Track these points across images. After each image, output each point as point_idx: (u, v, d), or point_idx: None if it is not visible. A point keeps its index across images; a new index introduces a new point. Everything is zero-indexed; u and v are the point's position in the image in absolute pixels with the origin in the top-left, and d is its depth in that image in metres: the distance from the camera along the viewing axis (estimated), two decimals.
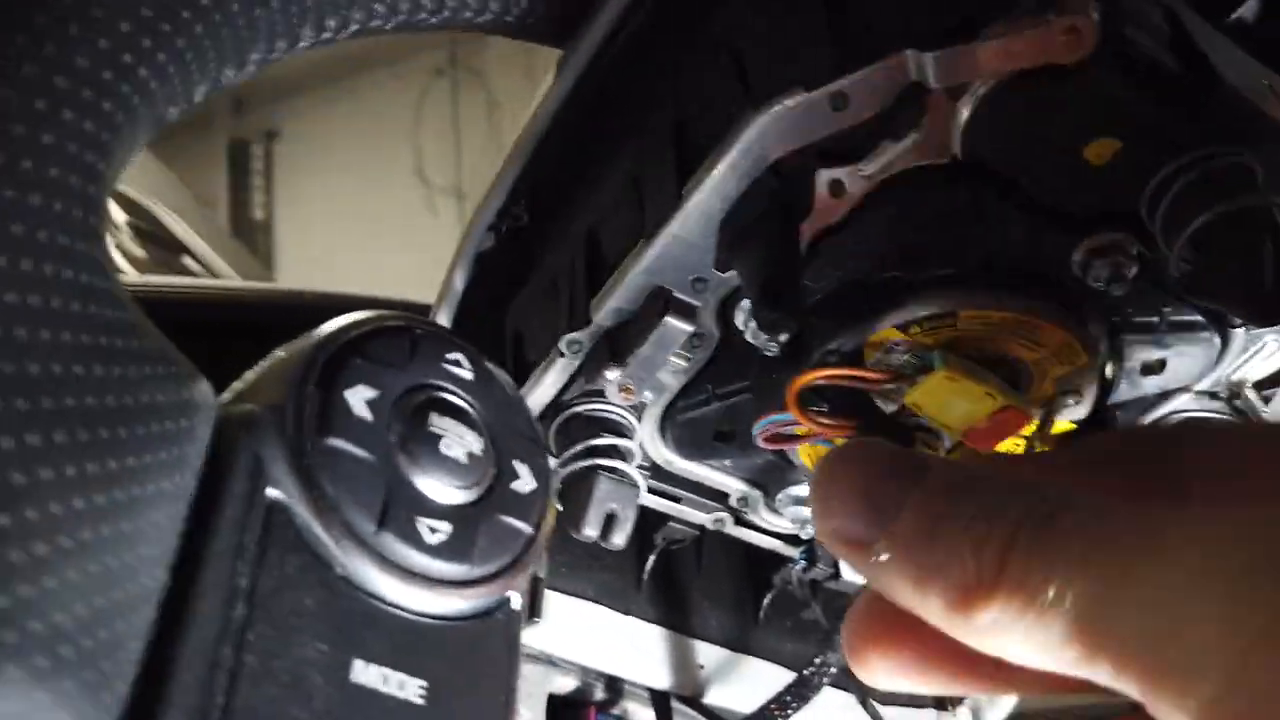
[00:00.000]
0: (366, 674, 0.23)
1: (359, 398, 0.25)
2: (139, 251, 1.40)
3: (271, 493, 0.24)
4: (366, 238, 3.22)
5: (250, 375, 0.27)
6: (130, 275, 1.33)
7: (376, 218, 3.28)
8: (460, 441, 0.26)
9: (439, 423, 0.26)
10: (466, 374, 0.28)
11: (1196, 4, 0.35)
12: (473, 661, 0.25)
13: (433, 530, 0.25)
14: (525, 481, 0.28)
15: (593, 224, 0.39)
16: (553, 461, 0.41)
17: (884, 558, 0.21)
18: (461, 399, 0.27)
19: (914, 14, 0.30)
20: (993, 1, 0.29)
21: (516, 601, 0.27)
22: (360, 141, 3.55)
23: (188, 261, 1.44)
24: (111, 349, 0.21)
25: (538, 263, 0.43)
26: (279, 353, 0.27)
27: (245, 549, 0.23)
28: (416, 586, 0.25)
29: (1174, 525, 0.17)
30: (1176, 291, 0.35)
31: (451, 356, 0.28)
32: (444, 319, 0.44)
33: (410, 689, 0.23)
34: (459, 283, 0.44)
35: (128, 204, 1.44)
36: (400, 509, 0.25)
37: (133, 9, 0.22)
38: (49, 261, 0.20)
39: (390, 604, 0.24)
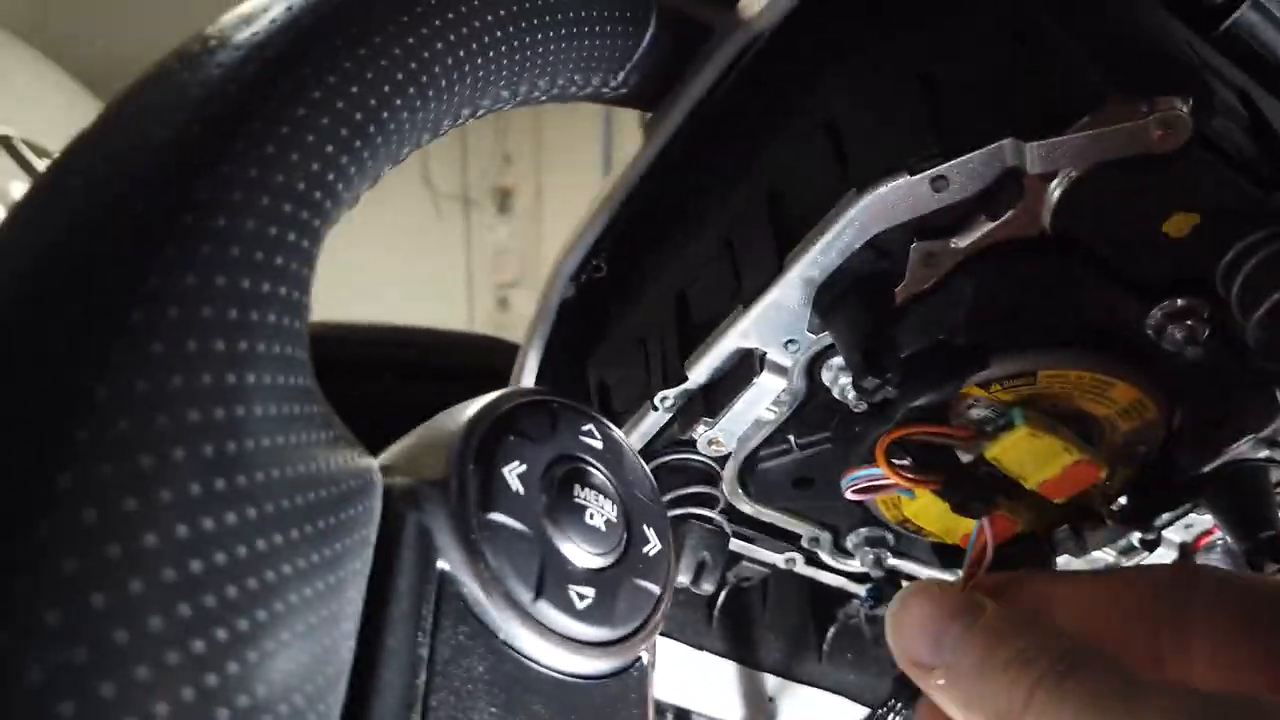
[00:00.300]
0: None
1: (513, 472, 0.27)
2: None
3: (440, 564, 0.26)
4: (372, 242, 3.23)
5: (400, 448, 0.29)
6: None
7: (382, 222, 3.29)
8: (600, 510, 0.28)
9: (581, 493, 0.28)
10: (598, 444, 0.30)
11: (1262, 79, 0.37)
12: (616, 717, 0.27)
13: (581, 596, 0.27)
14: (653, 544, 0.30)
15: (683, 284, 0.40)
16: None
17: (940, 682, 0.28)
18: (596, 468, 0.29)
19: (1012, 104, 0.31)
20: (1086, 93, 0.30)
21: (647, 657, 0.29)
22: None
23: None
24: (315, 444, 0.23)
25: (618, 315, 0.45)
26: (428, 427, 0.29)
27: (423, 618, 0.25)
28: (568, 650, 0.26)
29: (1150, 693, 0.24)
30: (1255, 357, 0.36)
31: (585, 428, 0.30)
32: (532, 364, 0.46)
33: None
34: (543, 331, 0.46)
35: None
36: (553, 578, 0.27)
37: (331, 133, 0.23)
38: (267, 372, 0.21)
39: (546, 667, 0.26)
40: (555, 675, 0.26)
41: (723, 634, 0.50)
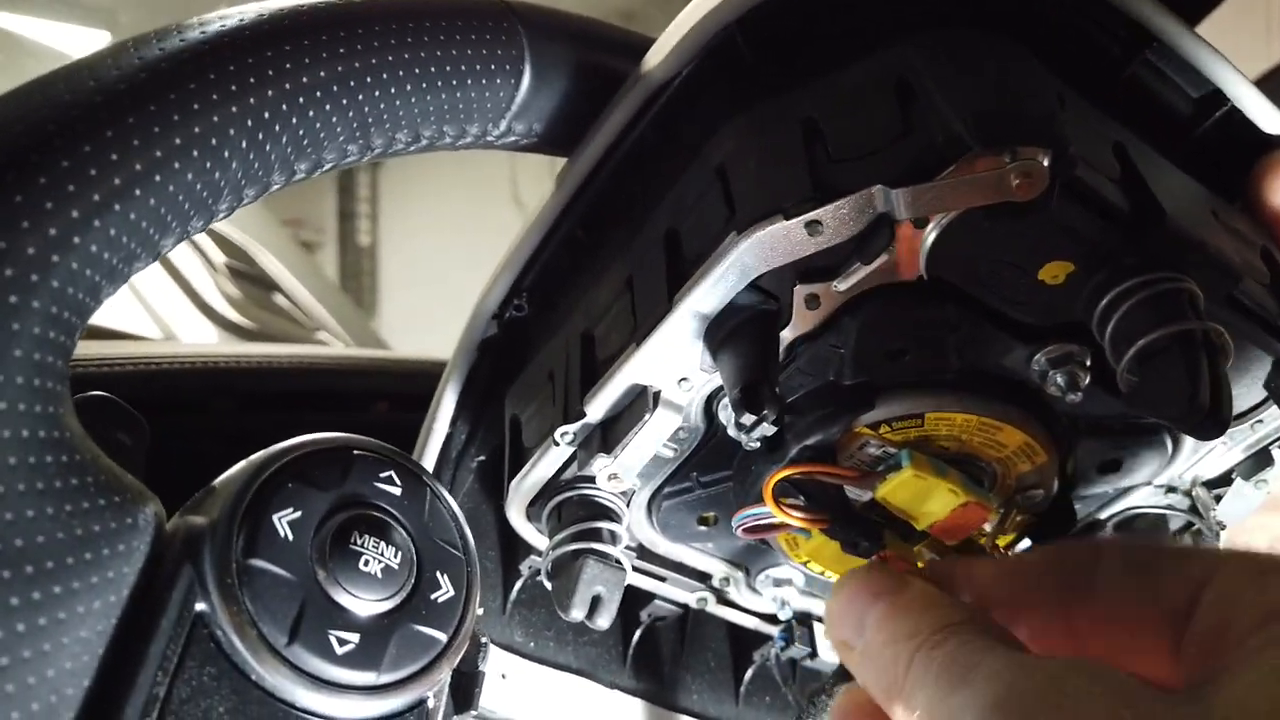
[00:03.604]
0: None
1: (284, 519, 0.28)
2: (234, 290, 1.48)
3: (199, 606, 0.27)
4: (465, 260, 3.32)
5: (205, 490, 0.30)
6: (231, 315, 1.41)
7: (474, 241, 3.38)
8: (378, 557, 0.29)
9: (359, 540, 0.29)
10: (395, 490, 0.31)
11: (1150, 132, 0.37)
12: None
13: (342, 642, 0.28)
14: (445, 591, 0.31)
15: (589, 322, 0.41)
16: (545, 543, 0.44)
17: (857, 662, 0.30)
18: (387, 515, 0.30)
19: (883, 154, 0.32)
20: (952, 143, 0.31)
21: (431, 701, 0.30)
22: (459, 168, 3.65)
23: (279, 299, 1.52)
24: (54, 490, 0.24)
25: (535, 352, 0.46)
26: (233, 470, 0.30)
27: (167, 658, 0.26)
28: (325, 693, 0.27)
29: (988, 661, 0.25)
30: (1125, 405, 0.36)
31: (384, 474, 0.31)
32: (449, 399, 0.47)
33: None
34: (463, 367, 0.47)
35: (225, 244, 1.53)
36: (313, 622, 0.28)
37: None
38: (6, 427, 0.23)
39: (301, 709, 0.27)
40: (311, 717, 0.27)
41: (636, 673, 0.50)
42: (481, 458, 0.48)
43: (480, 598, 0.48)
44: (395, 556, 0.30)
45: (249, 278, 1.52)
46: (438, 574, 0.31)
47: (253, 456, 0.30)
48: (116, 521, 0.26)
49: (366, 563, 0.29)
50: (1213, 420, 0.32)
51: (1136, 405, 0.34)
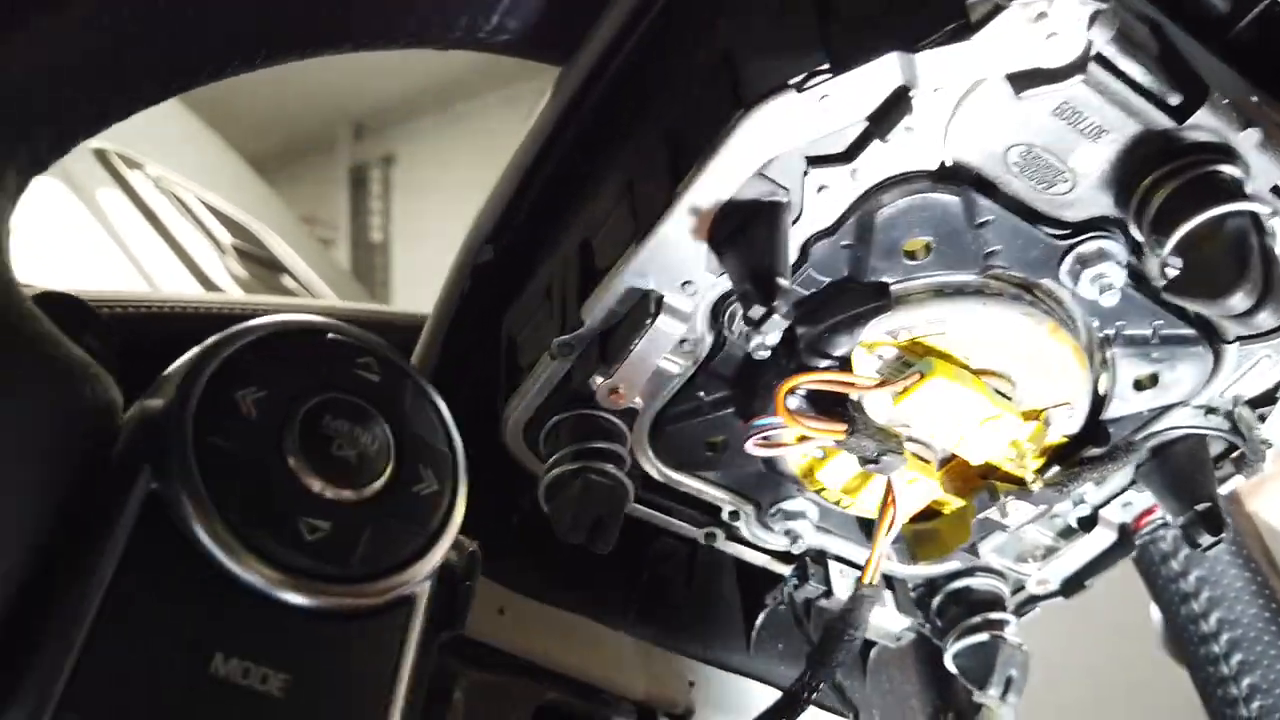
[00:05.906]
0: (226, 666, 0.23)
1: (250, 398, 0.26)
2: (241, 271, 1.47)
3: (153, 486, 0.25)
4: None
5: (174, 367, 0.28)
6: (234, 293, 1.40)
7: None
8: (353, 443, 0.27)
9: (332, 425, 0.27)
10: (373, 378, 0.28)
11: (1190, 24, 0.35)
12: (350, 657, 0.26)
13: (312, 529, 0.25)
14: (427, 485, 0.28)
15: (587, 232, 0.39)
16: (541, 469, 0.41)
17: None
18: (364, 402, 0.28)
19: (904, 19, 0.29)
20: (980, 4, 0.28)
21: (421, 601, 0.27)
22: (473, 164, 3.63)
23: (286, 280, 1.50)
24: None
25: (534, 273, 0.44)
26: (197, 346, 0.28)
27: (117, 540, 0.24)
28: (290, 581, 0.25)
29: None
30: (1164, 294, 0.34)
31: (361, 360, 0.29)
32: (440, 325, 0.45)
33: (272, 682, 0.24)
34: (457, 292, 0.45)
35: (234, 226, 1.51)
36: (280, 506, 0.25)
37: None
38: None
39: (263, 597, 0.25)
40: (274, 607, 0.25)
41: (645, 615, 0.47)
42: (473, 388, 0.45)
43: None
44: (372, 444, 0.27)
45: (256, 259, 1.50)
46: (420, 467, 0.28)
47: (217, 334, 0.28)
48: (55, 392, 0.24)
49: (340, 447, 0.27)
50: (1267, 303, 0.30)
51: (1180, 293, 0.32)
